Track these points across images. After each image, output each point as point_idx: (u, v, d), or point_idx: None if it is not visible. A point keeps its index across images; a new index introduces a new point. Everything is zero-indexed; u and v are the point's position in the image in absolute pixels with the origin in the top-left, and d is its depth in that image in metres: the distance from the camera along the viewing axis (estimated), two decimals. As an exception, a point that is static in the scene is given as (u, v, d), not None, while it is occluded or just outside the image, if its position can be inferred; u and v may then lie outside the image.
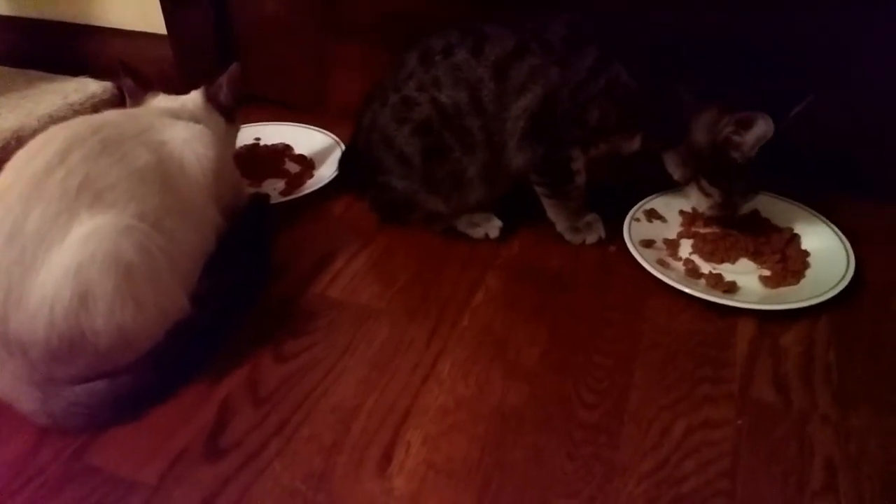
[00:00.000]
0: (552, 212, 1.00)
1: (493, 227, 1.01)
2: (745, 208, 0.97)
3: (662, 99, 0.91)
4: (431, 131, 0.93)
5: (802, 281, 0.90)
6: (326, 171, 1.15)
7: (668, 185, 1.04)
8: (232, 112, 0.99)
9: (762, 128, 0.86)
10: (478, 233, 1.01)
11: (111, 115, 0.87)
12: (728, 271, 0.93)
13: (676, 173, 0.97)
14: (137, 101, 0.94)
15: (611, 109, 0.90)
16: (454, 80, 0.91)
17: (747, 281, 0.91)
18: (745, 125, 0.87)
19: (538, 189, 0.98)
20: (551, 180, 0.97)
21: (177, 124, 0.86)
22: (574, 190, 0.97)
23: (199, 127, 0.87)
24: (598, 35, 0.91)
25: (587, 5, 0.94)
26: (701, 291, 0.88)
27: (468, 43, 0.92)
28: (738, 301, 0.86)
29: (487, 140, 0.93)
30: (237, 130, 1.04)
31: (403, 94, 0.94)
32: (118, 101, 1.41)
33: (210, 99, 0.96)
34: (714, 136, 0.89)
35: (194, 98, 0.96)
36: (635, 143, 0.95)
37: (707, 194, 0.94)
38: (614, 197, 1.03)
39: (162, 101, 0.94)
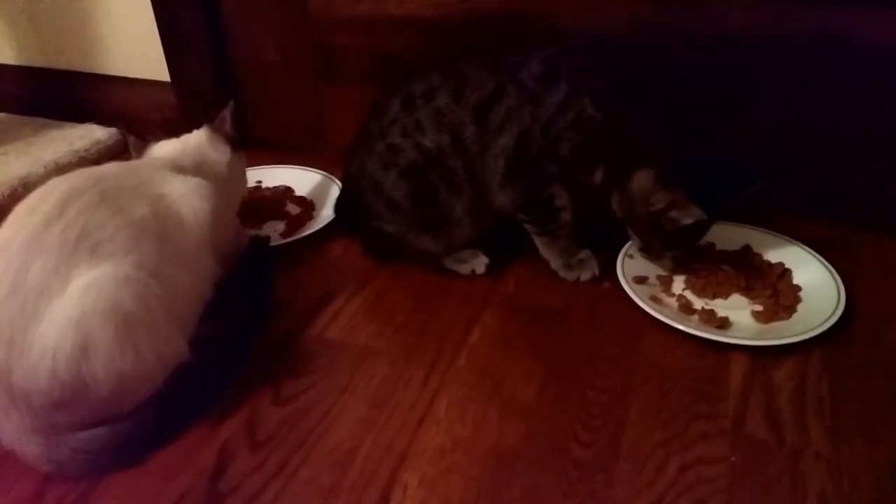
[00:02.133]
0: (544, 250, 1.02)
1: (480, 263, 1.03)
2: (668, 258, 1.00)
3: (621, 135, 0.93)
4: (417, 174, 0.96)
5: (794, 315, 0.91)
6: (326, 212, 1.17)
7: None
8: (235, 142, 1.02)
9: (692, 218, 0.89)
10: (465, 269, 1.03)
11: (110, 167, 0.89)
12: (720, 307, 0.94)
13: (616, 210, 0.99)
14: (139, 153, 0.97)
15: (579, 141, 0.92)
16: (437, 124, 0.94)
17: (740, 316, 0.92)
18: (678, 208, 0.90)
19: (527, 227, 1.00)
20: (537, 217, 0.99)
21: (175, 178, 0.88)
22: (561, 228, 0.99)
23: (196, 180, 0.89)
24: (570, 69, 0.94)
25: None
26: (694, 328, 0.89)
27: (449, 86, 0.95)
28: (730, 337, 0.87)
29: (471, 179, 0.96)
30: (242, 161, 1.06)
31: (389, 141, 0.96)
32: (123, 147, 1.45)
33: (217, 131, 1.00)
34: (645, 205, 0.93)
35: (198, 136, 0.99)
36: (597, 177, 0.96)
37: (631, 236, 1.00)
38: (607, 234, 1.05)
39: (162, 147, 0.97)
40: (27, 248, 0.72)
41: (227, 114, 1.02)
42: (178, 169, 0.90)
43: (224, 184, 0.95)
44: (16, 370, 0.70)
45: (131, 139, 0.99)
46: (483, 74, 0.95)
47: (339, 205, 1.13)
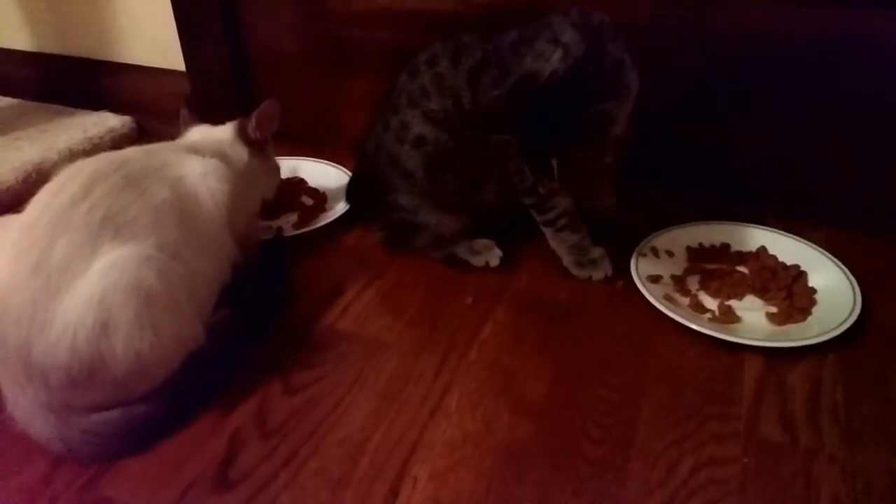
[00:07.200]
0: (554, 244, 1.01)
1: (494, 255, 1.03)
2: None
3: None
4: (428, 142, 0.96)
5: (809, 318, 0.91)
6: (339, 205, 1.17)
7: (674, 222, 1.06)
8: (259, 146, 1.01)
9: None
10: (478, 261, 1.03)
11: (132, 151, 0.90)
12: (735, 308, 0.93)
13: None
14: (186, 128, 1.01)
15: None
16: (439, 88, 0.95)
17: (754, 317, 0.92)
18: None
19: (534, 216, 0.99)
20: (530, 201, 0.97)
21: (193, 159, 0.88)
22: (559, 218, 0.97)
23: (213, 161, 0.89)
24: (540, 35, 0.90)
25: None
26: (708, 327, 0.88)
27: (448, 52, 0.96)
28: (744, 338, 0.86)
29: (474, 140, 0.95)
30: (268, 166, 1.06)
31: (400, 117, 0.98)
32: (136, 135, 1.46)
33: (239, 132, 0.99)
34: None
35: (225, 130, 1.00)
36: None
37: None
38: (621, 232, 1.04)
39: (199, 132, 1.00)
40: (53, 227, 0.74)
41: (254, 116, 1.00)
42: (197, 153, 0.91)
43: (240, 179, 0.94)
44: (36, 345, 0.71)
45: (184, 113, 1.02)
46: (476, 42, 0.95)
47: (352, 189, 1.13)
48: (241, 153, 0.98)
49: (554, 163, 0.85)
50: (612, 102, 0.87)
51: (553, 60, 0.84)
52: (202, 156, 0.90)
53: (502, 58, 0.92)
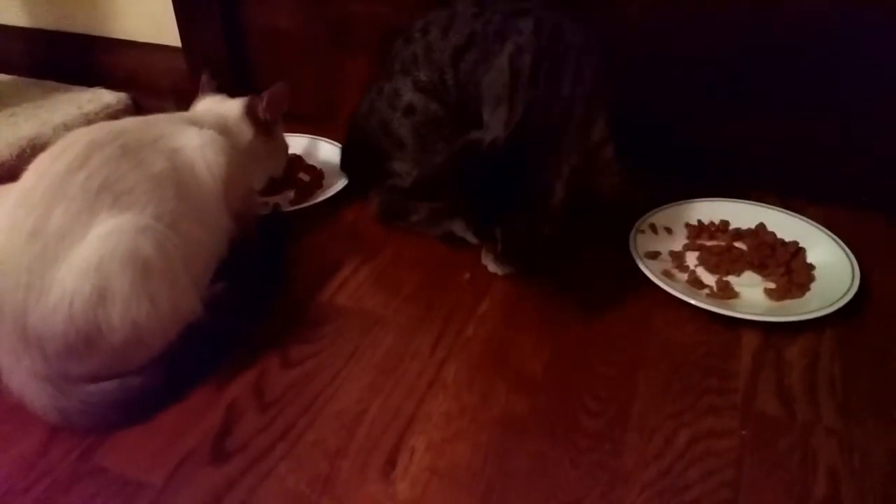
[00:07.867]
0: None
1: None
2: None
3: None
4: (418, 112, 0.96)
5: (807, 294, 0.90)
6: (336, 181, 1.16)
7: (672, 199, 1.06)
8: (267, 127, 1.01)
9: None
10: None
11: (129, 122, 0.89)
12: (733, 283, 0.93)
13: None
14: (204, 94, 1.02)
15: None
16: (428, 60, 0.94)
17: (752, 293, 0.91)
18: None
19: None
20: None
21: (190, 130, 0.88)
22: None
23: (210, 133, 0.89)
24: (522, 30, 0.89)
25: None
26: (706, 302, 0.88)
27: (441, 21, 0.95)
28: (742, 313, 0.86)
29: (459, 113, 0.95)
30: (275, 146, 1.06)
31: (393, 83, 0.97)
32: (132, 111, 1.45)
33: (248, 111, 0.99)
34: None
35: (233, 105, 1.00)
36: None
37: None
38: (619, 209, 1.04)
39: (205, 103, 1.00)
40: (50, 195, 0.73)
41: (265, 95, 1.00)
42: (195, 125, 0.90)
43: (240, 154, 0.94)
44: (32, 314, 0.71)
45: (205, 77, 1.02)
46: (467, 16, 0.94)
47: (346, 155, 1.13)
48: (246, 131, 0.98)
49: (497, 232, 0.83)
50: (553, 158, 0.85)
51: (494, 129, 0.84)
52: (200, 127, 0.89)
53: (486, 39, 0.91)
